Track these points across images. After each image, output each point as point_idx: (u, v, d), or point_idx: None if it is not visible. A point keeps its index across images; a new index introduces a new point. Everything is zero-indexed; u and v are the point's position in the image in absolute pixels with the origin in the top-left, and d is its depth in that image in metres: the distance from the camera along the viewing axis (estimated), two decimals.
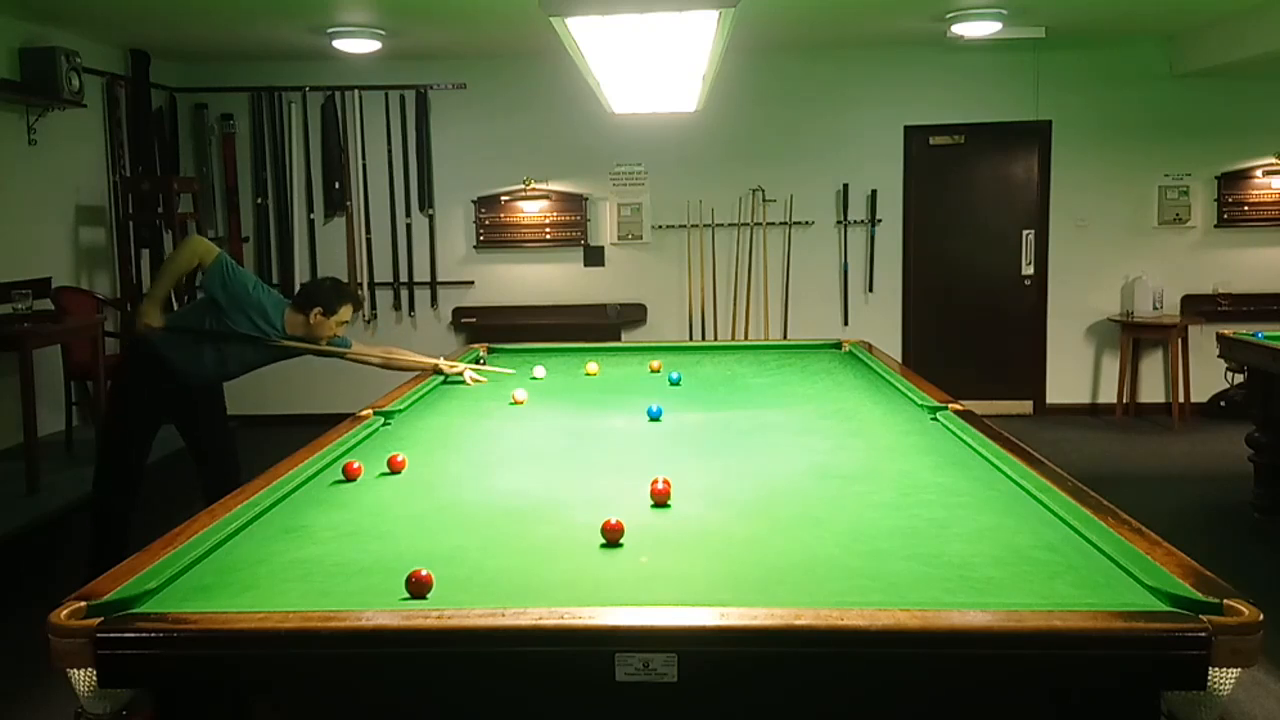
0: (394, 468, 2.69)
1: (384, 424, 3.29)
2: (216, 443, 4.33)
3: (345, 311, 4.11)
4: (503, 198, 7.79)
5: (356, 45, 6.66)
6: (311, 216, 7.85)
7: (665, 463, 2.69)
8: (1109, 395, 7.81)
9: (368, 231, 7.85)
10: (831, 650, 1.58)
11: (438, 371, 4.20)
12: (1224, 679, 1.55)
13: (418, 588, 1.77)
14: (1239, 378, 5.54)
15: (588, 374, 4.30)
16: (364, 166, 7.81)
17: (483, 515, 2.32)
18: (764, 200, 7.73)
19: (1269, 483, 5.19)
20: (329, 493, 2.53)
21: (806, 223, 7.76)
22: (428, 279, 7.90)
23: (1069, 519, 2.12)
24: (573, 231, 7.79)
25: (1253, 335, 5.20)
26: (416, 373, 4.23)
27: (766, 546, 2.08)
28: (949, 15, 6.34)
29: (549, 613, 1.62)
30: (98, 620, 1.64)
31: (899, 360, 5.90)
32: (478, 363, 4.47)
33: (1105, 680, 1.59)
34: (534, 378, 4.21)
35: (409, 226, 7.86)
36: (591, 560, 2.00)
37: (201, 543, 2.05)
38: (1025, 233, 7.78)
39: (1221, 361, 5.48)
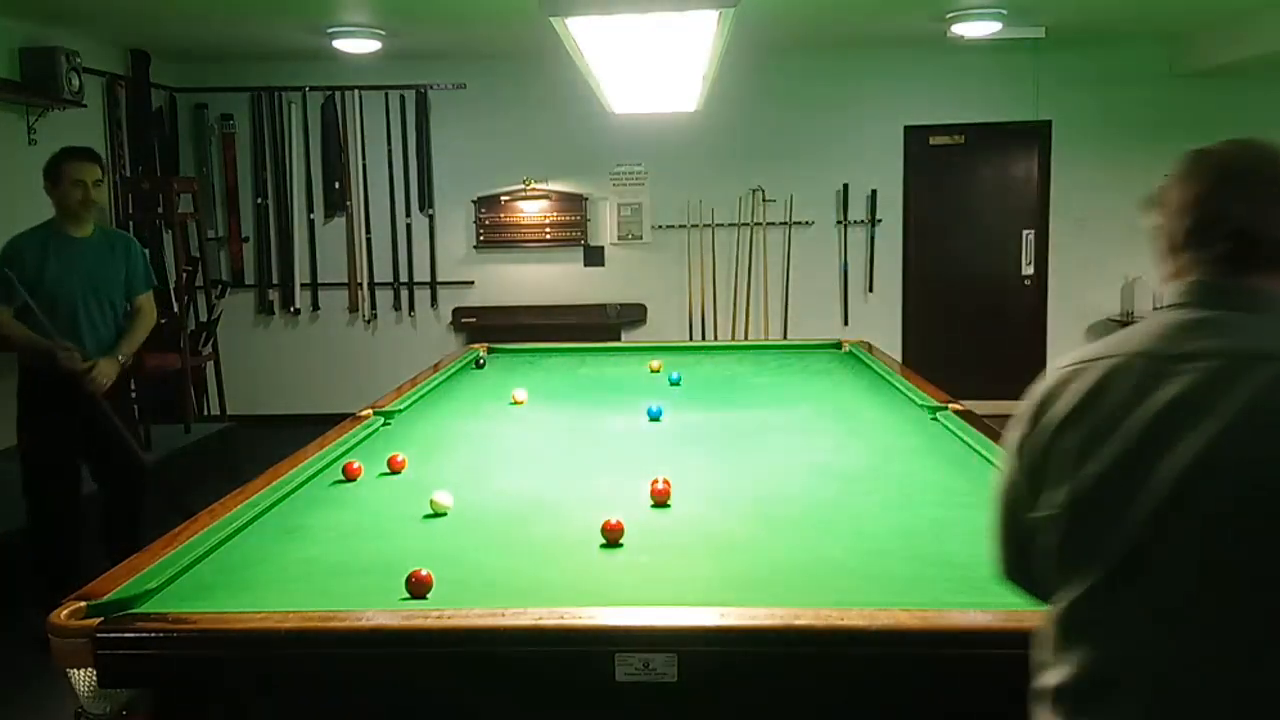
0: (394, 468, 2.69)
1: (384, 424, 3.29)
2: (115, 439, 3.90)
3: (72, 170, 3.67)
4: (503, 198, 7.78)
5: (356, 45, 6.66)
6: (311, 216, 7.84)
7: (665, 463, 2.69)
8: None
9: (368, 231, 7.85)
10: (832, 650, 1.58)
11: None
12: None
13: (418, 588, 1.77)
14: None
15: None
16: (364, 166, 7.80)
17: (483, 515, 2.32)
18: (764, 200, 7.73)
19: None
20: (329, 493, 2.53)
21: (806, 223, 7.76)
22: (428, 279, 7.89)
23: None
24: (573, 231, 7.79)
25: None
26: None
27: (766, 546, 2.08)
28: (949, 15, 6.33)
29: (549, 613, 1.62)
30: (98, 620, 1.65)
31: (899, 360, 5.89)
32: (478, 363, 4.47)
33: None
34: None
35: (409, 226, 7.85)
36: (591, 560, 2.00)
37: (201, 543, 2.05)
38: (1025, 233, 7.77)
39: None
